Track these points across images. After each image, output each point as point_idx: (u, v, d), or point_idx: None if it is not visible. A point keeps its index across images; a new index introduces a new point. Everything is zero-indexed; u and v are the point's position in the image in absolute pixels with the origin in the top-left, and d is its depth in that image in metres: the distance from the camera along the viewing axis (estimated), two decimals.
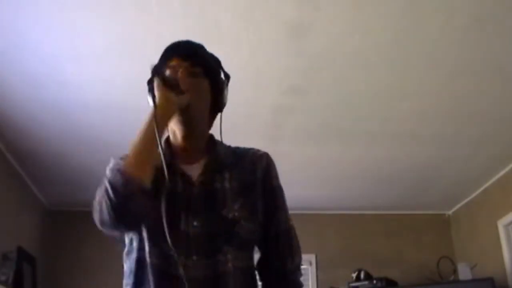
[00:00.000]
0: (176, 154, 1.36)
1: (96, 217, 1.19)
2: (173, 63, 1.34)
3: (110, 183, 1.16)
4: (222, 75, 1.45)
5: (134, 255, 1.26)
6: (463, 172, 4.18)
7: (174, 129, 1.36)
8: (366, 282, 4.35)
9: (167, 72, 1.33)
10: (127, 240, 1.31)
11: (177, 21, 2.51)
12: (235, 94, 3.26)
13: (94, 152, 3.69)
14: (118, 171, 1.18)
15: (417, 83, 3.02)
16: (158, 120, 1.22)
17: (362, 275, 4.42)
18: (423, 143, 3.71)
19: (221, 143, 1.44)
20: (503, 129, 3.51)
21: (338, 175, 4.26)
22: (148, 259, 1.23)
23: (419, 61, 2.82)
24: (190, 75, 1.30)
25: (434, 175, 4.26)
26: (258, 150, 1.47)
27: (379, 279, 4.31)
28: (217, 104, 1.42)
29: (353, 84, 3.03)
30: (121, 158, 1.31)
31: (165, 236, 1.20)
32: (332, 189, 4.56)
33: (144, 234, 1.25)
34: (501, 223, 4.12)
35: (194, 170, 1.33)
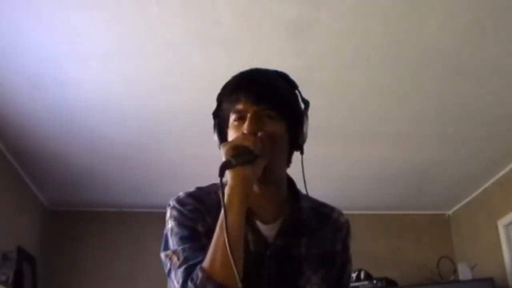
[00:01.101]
0: (253, 210, 1.18)
1: None
2: (240, 106, 1.16)
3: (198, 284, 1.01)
4: (301, 104, 1.27)
5: None
6: (463, 172, 4.17)
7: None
8: (366, 282, 4.35)
9: (230, 129, 1.16)
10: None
11: (177, 21, 2.51)
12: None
13: (94, 152, 3.69)
14: (203, 277, 1.02)
15: (417, 83, 3.02)
16: (240, 200, 1.06)
17: (362, 275, 4.42)
18: (423, 143, 3.71)
19: (304, 197, 1.28)
20: (503, 129, 3.51)
21: (338, 175, 4.26)
22: None
23: (418, 61, 2.82)
24: (260, 127, 1.12)
25: (434, 175, 4.26)
26: (340, 215, 1.34)
27: (379, 279, 4.31)
28: (297, 143, 1.24)
29: (353, 84, 3.03)
30: (181, 209, 1.18)
31: None
32: (332, 189, 4.55)
33: None
34: (501, 223, 4.12)
35: (270, 231, 1.18)
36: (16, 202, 4.00)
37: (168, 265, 1.13)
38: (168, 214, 1.20)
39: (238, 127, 1.16)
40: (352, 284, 4.39)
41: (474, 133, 3.56)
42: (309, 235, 1.22)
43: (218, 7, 2.43)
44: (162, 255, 1.17)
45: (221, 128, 1.23)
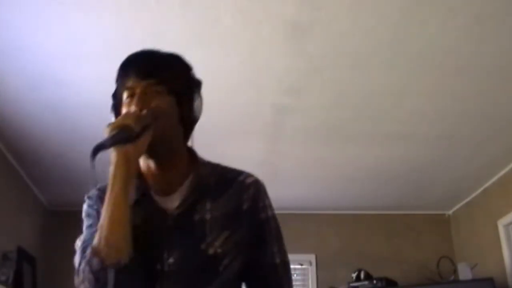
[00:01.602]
0: (151, 185, 1.22)
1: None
2: (129, 83, 1.20)
3: (89, 268, 1.05)
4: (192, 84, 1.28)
5: None
6: (463, 172, 4.17)
7: (145, 162, 1.23)
8: (366, 282, 4.35)
9: (123, 107, 1.20)
10: None
11: (177, 21, 2.51)
12: (235, 94, 3.27)
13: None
14: (94, 254, 1.05)
15: (417, 83, 3.02)
16: (123, 175, 1.11)
17: (362, 275, 4.42)
18: (423, 143, 3.71)
19: (205, 163, 1.28)
20: (503, 129, 3.51)
21: (338, 175, 4.26)
22: None
23: (419, 61, 2.82)
24: (147, 103, 1.16)
25: (434, 175, 4.26)
26: (248, 176, 1.28)
27: (379, 279, 4.31)
28: (188, 119, 1.24)
29: (353, 84, 3.03)
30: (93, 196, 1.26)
31: (137, 281, 1.11)
32: (332, 189, 4.56)
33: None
34: (501, 223, 4.12)
35: (172, 202, 1.20)
36: (16, 202, 4.00)
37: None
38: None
39: (129, 105, 1.19)
40: (352, 284, 4.41)
41: (474, 133, 3.56)
42: (213, 200, 1.21)
43: (218, 7, 2.43)
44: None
45: (117, 109, 1.27)
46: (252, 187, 1.26)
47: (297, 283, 4.80)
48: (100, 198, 1.20)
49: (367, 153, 3.85)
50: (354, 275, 4.47)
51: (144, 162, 1.23)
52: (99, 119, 3.37)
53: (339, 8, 2.43)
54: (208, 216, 1.19)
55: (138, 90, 1.18)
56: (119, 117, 1.18)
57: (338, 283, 4.56)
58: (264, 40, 2.65)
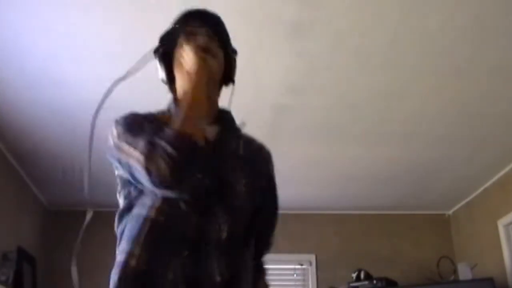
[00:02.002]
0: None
1: (146, 178, 1.16)
2: (195, 29, 1.38)
3: (171, 144, 1.14)
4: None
5: (143, 212, 1.25)
6: (463, 172, 4.17)
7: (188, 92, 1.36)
8: (366, 282, 4.35)
9: (195, 37, 1.35)
10: (127, 194, 1.34)
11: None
12: (235, 94, 3.25)
13: (94, 152, 3.68)
14: (177, 133, 1.17)
15: (417, 83, 3.02)
16: (205, 80, 1.28)
17: (362, 275, 4.42)
18: (423, 143, 3.71)
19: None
20: (503, 129, 3.51)
21: (338, 175, 4.26)
22: (160, 217, 1.22)
23: (419, 61, 2.82)
24: (214, 43, 1.36)
25: (434, 175, 4.26)
26: (263, 145, 1.55)
27: (379, 279, 4.31)
28: (228, 76, 1.45)
29: (353, 84, 3.03)
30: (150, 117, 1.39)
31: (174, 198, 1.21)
32: (332, 189, 4.56)
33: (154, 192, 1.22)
34: (501, 223, 4.12)
35: (211, 130, 1.35)
36: (16, 202, 4.00)
37: (125, 160, 1.25)
38: (112, 129, 1.38)
39: (192, 39, 1.36)
40: (352, 284, 4.41)
41: (474, 133, 3.56)
42: (245, 142, 1.43)
43: (218, 8, 2.42)
44: (117, 155, 1.30)
45: (165, 51, 1.47)
46: (270, 157, 1.54)
47: (297, 283, 4.80)
48: (141, 117, 1.42)
49: (367, 153, 3.85)
50: (354, 275, 4.47)
51: (184, 92, 1.37)
52: (99, 119, 3.38)
53: (339, 8, 2.44)
54: (241, 151, 1.40)
55: (207, 36, 1.36)
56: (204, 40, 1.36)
57: (338, 283, 4.56)
58: (264, 40, 2.65)
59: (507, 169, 4.07)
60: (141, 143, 1.21)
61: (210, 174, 1.27)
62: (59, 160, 3.82)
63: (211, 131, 1.35)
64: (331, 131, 3.54)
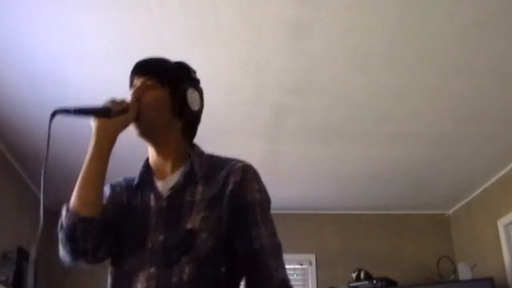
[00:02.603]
0: (153, 171, 1.39)
1: (60, 253, 1.32)
2: (134, 81, 1.41)
3: (61, 222, 1.28)
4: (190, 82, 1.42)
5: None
6: (463, 172, 4.18)
7: (150, 149, 1.40)
8: (366, 282, 4.35)
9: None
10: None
11: (177, 21, 2.51)
12: (235, 94, 3.27)
13: None
14: (66, 207, 1.30)
15: (417, 83, 3.02)
16: (98, 145, 1.34)
17: (362, 275, 4.42)
18: (423, 143, 3.71)
19: (199, 153, 1.39)
20: (503, 129, 3.51)
21: (338, 175, 4.26)
22: (111, 280, 1.30)
23: (418, 61, 2.82)
24: (137, 91, 1.35)
25: (434, 175, 4.26)
26: (238, 162, 1.34)
27: (379, 279, 4.31)
28: (182, 110, 1.36)
29: (353, 84, 3.03)
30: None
31: (127, 255, 1.26)
32: (332, 189, 4.56)
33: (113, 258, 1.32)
34: (501, 223, 4.12)
35: (167, 185, 1.33)
36: (16, 202, 4.00)
37: None
38: None
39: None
40: (352, 284, 4.41)
41: (474, 133, 3.56)
42: (205, 184, 1.31)
43: (218, 7, 2.43)
44: None
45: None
46: (240, 171, 1.31)
47: (297, 283, 4.80)
48: (116, 186, 1.44)
49: (367, 153, 3.85)
50: (354, 275, 4.47)
51: (149, 150, 1.40)
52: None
53: (339, 8, 2.44)
54: (198, 198, 1.29)
55: (134, 85, 1.38)
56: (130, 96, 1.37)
57: (338, 283, 4.56)
58: (264, 40, 2.65)
59: (507, 169, 4.07)
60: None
61: (163, 232, 1.26)
62: (59, 160, 3.82)
63: (168, 182, 1.34)
64: (331, 131, 3.54)
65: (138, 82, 1.38)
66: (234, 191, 1.28)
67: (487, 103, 3.21)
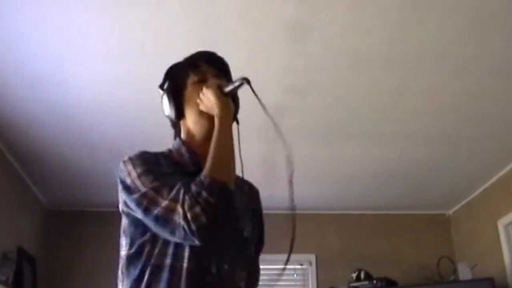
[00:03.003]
0: (197, 156, 1.37)
1: (180, 226, 1.13)
2: (202, 69, 1.43)
3: (207, 190, 1.14)
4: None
5: (151, 260, 1.22)
6: (463, 172, 4.17)
7: (193, 132, 1.40)
8: (366, 282, 4.35)
9: (213, 80, 1.40)
10: (134, 243, 1.26)
11: (177, 21, 2.51)
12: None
13: (94, 152, 3.69)
14: (212, 179, 1.17)
15: (417, 83, 3.02)
16: (230, 123, 1.34)
17: (362, 275, 4.42)
18: (423, 143, 3.71)
19: None
20: (503, 129, 3.51)
21: (338, 175, 4.26)
22: (184, 264, 1.20)
23: (419, 61, 2.82)
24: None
25: (434, 175, 4.26)
26: (250, 182, 1.55)
27: (379, 279, 4.31)
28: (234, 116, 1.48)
29: (353, 84, 3.03)
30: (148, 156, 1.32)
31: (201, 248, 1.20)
32: (332, 189, 4.56)
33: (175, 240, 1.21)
34: (501, 223, 4.12)
35: None
36: (16, 202, 4.00)
37: (145, 203, 1.18)
38: (127, 168, 1.27)
39: (199, 86, 1.40)
40: (352, 284, 4.41)
41: (474, 133, 3.56)
42: (241, 191, 1.41)
43: (218, 7, 2.43)
44: (134, 197, 1.21)
45: (177, 89, 1.45)
46: (258, 192, 1.54)
47: (297, 283, 4.80)
48: (155, 158, 1.32)
49: (367, 153, 3.85)
50: (354, 275, 4.47)
51: (190, 132, 1.42)
52: (99, 119, 3.39)
53: (339, 8, 2.44)
54: (244, 204, 1.41)
55: (216, 77, 1.41)
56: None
57: (338, 283, 4.56)
58: (264, 40, 2.65)
59: (507, 169, 4.07)
60: (166, 188, 1.18)
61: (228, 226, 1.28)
62: (59, 160, 3.82)
63: None
64: (331, 131, 3.54)
65: (218, 73, 1.44)
66: (260, 210, 1.51)
67: (487, 103, 3.21)
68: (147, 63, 2.74)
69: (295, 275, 4.78)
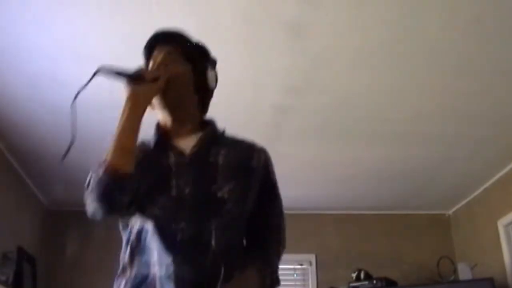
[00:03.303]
0: (170, 134, 1.40)
1: (90, 209, 1.29)
2: (155, 52, 1.41)
3: (98, 177, 1.25)
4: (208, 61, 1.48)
5: (133, 228, 1.33)
6: (463, 172, 4.17)
7: (163, 117, 1.42)
8: (366, 282, 4.35)
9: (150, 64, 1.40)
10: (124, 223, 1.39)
11: (177, 21, 2.50)
12: (235, 94, 3.27)
13: (94, 152, 3.68)
14: (104, 165, 1.25)
15: (417, 83, 3.02)
16: (131, 110, 1.31)
17: (362, 275, 4.42)
18: (423, 143, 3.71)
19: (215, 123, 1.48)
20: (503, 129, 3.51)
21: (338, 175, 4.26)
22: (149, 225, 1.28)
23: (419, 61, 2.82)
24: (165, 61, 1.36)
25: (434, 175, 4.26)
26: (254, 142, 1.48)
27: (379, 279, 4.31)
28: (201, 86, 1.43)
29: (353, 84, 3.03)
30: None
31: (158, 204, 1.27)
32: (332, 189, 4.56)
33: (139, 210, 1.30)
34: (501, 223, 4.12)
35: (189, 143, 1.36)
36: (16, 202, 4.00)
37: None
38: None
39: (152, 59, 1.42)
40: (352, 284, 4.40)
41: (474, 133, 3.56)
42: (227, 149, 1.38)
43: (218, 8, 2.43)
44: None
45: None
46: (263, 152, 1.46)
47: (297, 283, 4.80)
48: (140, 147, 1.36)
49: (367, 153, 3.85)
50: (354, 275, 4.47)
51: (162, 117, 1.42)
52: (99, 118, 3.39)
53: (339, 8, 2.44)
54: (220, 160, 1.35)
55: (159, 57, 1.38)
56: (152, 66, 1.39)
57: (338, 283, 4.56)
58: (264, 40, 2.65)
59: (507, 169, 4.07)
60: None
61: (189, 186, 1.30)
62: (59, 160, 3.82)
63: (188, 143, 1.37)
64: (331, 131, 3.54)
65: (161, 51, 1.39)
66: (264, 169, 1.43)
67: (487, 103, 3.21)
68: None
69: (295, 275, 4.78)
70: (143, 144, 1.39)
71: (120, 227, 1.40)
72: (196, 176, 1.31)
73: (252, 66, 2.84)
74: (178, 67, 1.38)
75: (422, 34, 2.61)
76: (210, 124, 1.44)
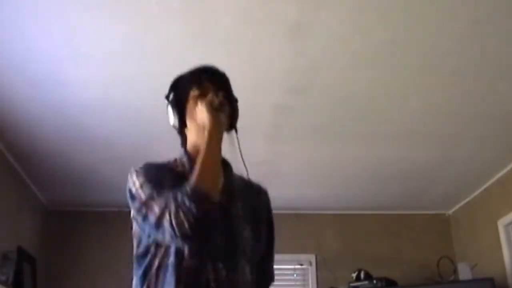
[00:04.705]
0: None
1: (168, 231, 1.26)
2: (211, 86, 1.52)
3: (190, 199, 1.25)
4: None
5: (155, 260, 1.36)
6: (463, 172, 4.17)
7: (195, 142, 1.50)
8: (366, 282, 4.35)
9: (209, 95, 1.48)
10: (141, 244, 1.41)
11: (177, 21, 2.51)
12: (235, 94, 3.25)
13: (94, 152, 3.69)
14: (195, 189, 1.27)
15: (417, 83, 3.02)
16: (219, 137, 1.38)
17: (362, 275, 4.42)
18: (423, 143, 3.71)
19: (229, 164, 1.57)
20: (503, 129, 3.51)
21: (338, 175, 4.26)
22: (184, 263, 1.33)
23: (419, 61, 2.82)
24: (224, 101, 1.47)
25: (434, 175, 4.26)
26: (258, 183, 1.62)
27: (379, 279, 4.31)
28: (231, 124, 1.55)
29: (353, 84, 3.03)
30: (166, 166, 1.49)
31: (199, 247, 1.33)
32: (332, 189, 4.56)
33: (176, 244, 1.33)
34: (501, 223, 4.12)
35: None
36: (16, 202, 4.00)
37: (144, 211, 1.33)
38: (132, 178, 1.42)
39: (200, 98, 1.49)
40: (352, 284, 4.41)
41: (474, 133, 3.56)
42: (242, 198, 1.50)
43: (218, 7, 2.43)
44: (136, 205, 1.37)
45: (180, 101, 1.55)
46: (266, 193, 1.62)
47: (297, 283, 4.80)
48: (161, 168, 1.47)
49: (367, 153, 3.85)
50: (354, 275, 4.47)
51: (197, 146, 1.47)
52: (99, 118, 3.39)
53: (339, 8, 2.44)
54: (240, 213, 1.46)
55: (219, 92, 1.49)
56: (217, 99, 1.47)
57: (338, 283, 4.56)
58: (264, 40, 2.65)
59: (507, 169, 4.07)
60: (161, 197, 1.31)
61: (223, 228, 1.39)
62: (59, 160, 3.82)
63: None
64: (331, 131, 3.54)
65: (217, 88, 1.51)
66: (267, 210, 1.58)
67: (487, 103, 3.21)
68: (147, 63, 2.74)
69: (295, 275, 4.77)
70: (176, 164, 1.51)
71: (136, 259, 1.42)
72: (225, 225, 1.41)
73: (252, 66, 2.84)
74: (226, 109, 1.48)
75: (422, 34, 2.61)
76: (228, 165, 1.54)
